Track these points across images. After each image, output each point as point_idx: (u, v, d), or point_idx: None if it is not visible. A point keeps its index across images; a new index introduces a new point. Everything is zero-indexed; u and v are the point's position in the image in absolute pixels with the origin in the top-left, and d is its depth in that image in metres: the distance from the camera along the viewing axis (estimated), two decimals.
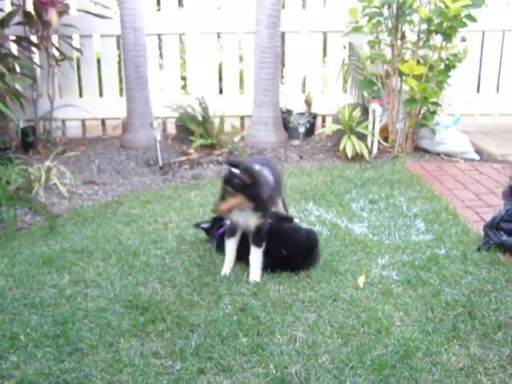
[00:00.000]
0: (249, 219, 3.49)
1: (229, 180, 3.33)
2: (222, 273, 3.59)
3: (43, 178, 5.16)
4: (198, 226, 4.12)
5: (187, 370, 2.64)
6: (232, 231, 3.61)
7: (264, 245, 3.52)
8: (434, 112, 6.44)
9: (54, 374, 2.62)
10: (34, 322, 3.03)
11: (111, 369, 2.66)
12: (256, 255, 3.53)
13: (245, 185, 3.30)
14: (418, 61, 6.35)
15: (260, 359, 2.71)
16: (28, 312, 3.15)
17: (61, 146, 6.70)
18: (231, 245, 3.63)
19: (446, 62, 6.31)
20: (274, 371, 2.62)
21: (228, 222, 3.65)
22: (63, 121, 7.29)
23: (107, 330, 2.97)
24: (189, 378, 2.59)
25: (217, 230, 3.92)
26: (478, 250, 3.88)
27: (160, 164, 6.09)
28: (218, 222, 3.96)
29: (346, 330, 2.95)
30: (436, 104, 6.40)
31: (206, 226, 4.05)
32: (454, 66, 6.33)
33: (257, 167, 3.46)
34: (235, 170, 3.32)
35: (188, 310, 3.15)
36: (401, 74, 6.36)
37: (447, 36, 6.09)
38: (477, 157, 6.42)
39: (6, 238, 4.19)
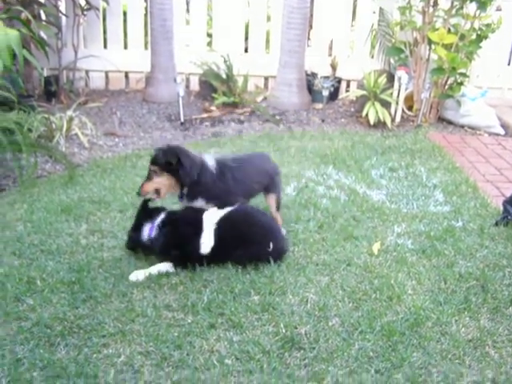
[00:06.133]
0: None
1: (155, 159, 3.22)
2: None
3: (64, 128, 5.18)
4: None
5: (198, 323, 2.68)
6: None
7: None
8: (461, 83, 6.32)
9: (69, 319, 2.68)
10: (50, 268, 3.09)
11: (124, 318, 2.71)
12: None
13: (170, 164, 3.17)
14: (449, 29, 6.20)
15: (271, 318, 2.74)
16: (45, 258, 3.21)
17: (83, 96, 6.72)
18: None
19: (478, 32, 6.15)
20: (283, 330, 2.65)
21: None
22: (87, 71, 7.28)
23: (121, 281, 3.01)
24: (199, 331, 2.63)
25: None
26: (496, 224, 3.85)
27: (181, 120, 6.07)
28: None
29: (357, 294, 2.97)
30: (464, 75, 6.27)
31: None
32: (486, 37, 6.16)
33: (183, 149, 3.29)
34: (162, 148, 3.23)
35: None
36: (430, 42, 6.23)
37: (482, 4, 5.92)
38: (502, 131, 6.32)
39: (26, 184, 4.24)
